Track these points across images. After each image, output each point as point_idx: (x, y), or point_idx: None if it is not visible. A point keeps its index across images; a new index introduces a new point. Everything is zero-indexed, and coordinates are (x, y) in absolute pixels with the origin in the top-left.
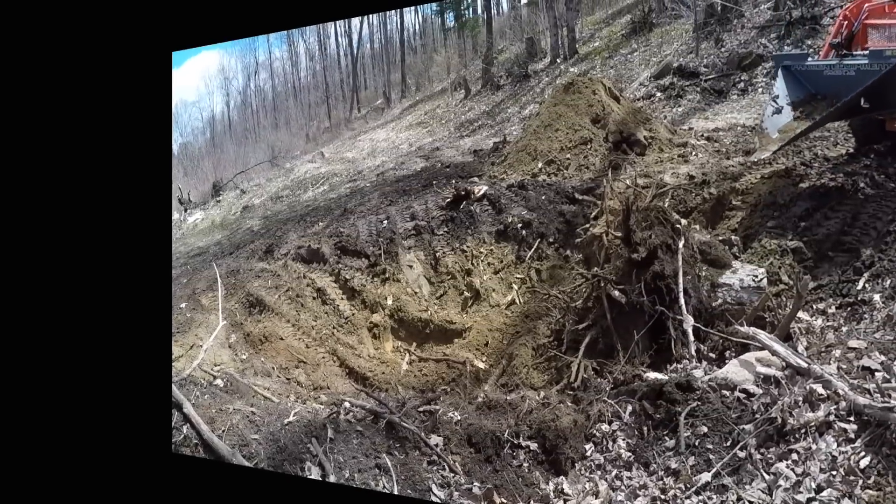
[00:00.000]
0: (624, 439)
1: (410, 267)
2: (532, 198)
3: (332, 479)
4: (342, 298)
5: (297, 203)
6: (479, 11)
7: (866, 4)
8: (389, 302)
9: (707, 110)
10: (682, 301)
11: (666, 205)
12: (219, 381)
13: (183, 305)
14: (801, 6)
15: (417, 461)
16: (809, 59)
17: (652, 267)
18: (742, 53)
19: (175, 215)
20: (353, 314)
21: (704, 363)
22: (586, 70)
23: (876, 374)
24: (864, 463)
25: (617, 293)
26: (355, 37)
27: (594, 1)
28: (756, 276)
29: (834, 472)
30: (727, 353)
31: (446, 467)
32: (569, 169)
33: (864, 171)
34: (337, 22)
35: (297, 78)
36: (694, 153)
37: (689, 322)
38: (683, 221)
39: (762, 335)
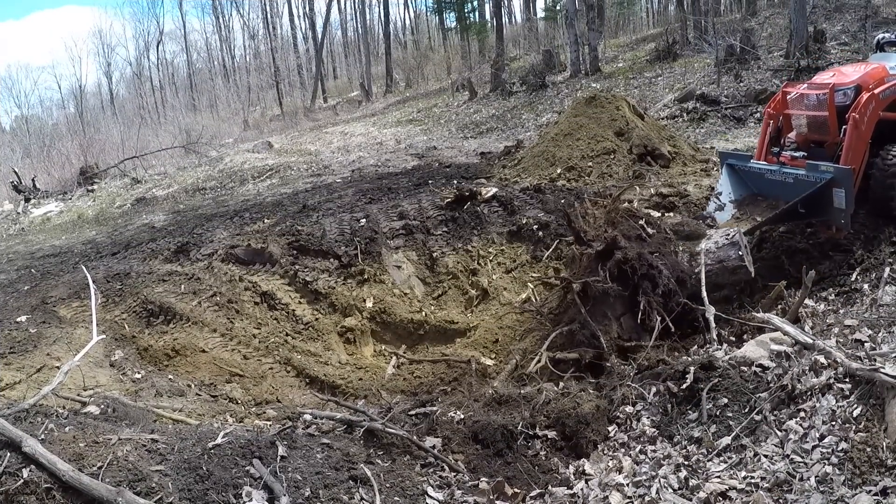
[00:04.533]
0: (648, 417)
1: (399, 267)
2: (550, 201)
3: (284, 501)
4: (300, 302)
5: (229, 197)
6: (489, 17)
7: (785, 89)
8: (369, 304)
9: (727, 133)
10: (703, 293)
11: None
12: (92, 408)
13: (22, 319)
14: (807, 57)
15: (408, 466)
16: (752, 160)
17: (614, 256)
18: (758, 89)
19: (7, 205)
20: (317, 319)
21: (724, 345)
22: (609, 87)
23: (865, 344)
24: (856, 413)
25: (577, 285)
26: (320, 20)
27: (617, 25)
28: (729, 234)
29: (834, 423)
30: (745, 336)
31: (446, 468)
32: (591, 176)
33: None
34: (293, 1)
35: (228, 56)
36: (716, 168)
37: (711, 311)
38: (655, 213)
39: (775, 319)
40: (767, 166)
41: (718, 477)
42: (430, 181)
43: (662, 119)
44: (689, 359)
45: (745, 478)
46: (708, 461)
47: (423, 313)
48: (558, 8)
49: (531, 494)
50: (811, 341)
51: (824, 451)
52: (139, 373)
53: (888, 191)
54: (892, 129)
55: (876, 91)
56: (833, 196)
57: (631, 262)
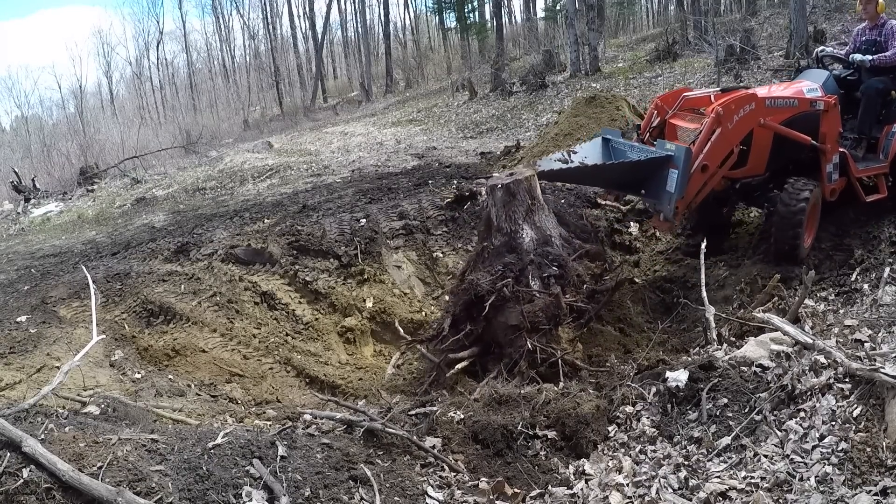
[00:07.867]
0: (648, 417)
1: (399, 267)
2: (549, 200)
3: (284, 501)
4: (300, 302)
5: (229, 197)
6: (489, 17)
7: (684, 93)
8: (369, 304)
9: None
10: (703, 294)
11: None
12: (92, 408)
13: (22, 319)
14: (807, 57)
15: (408, 466)
16: (623, 137)
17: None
18: None
19: (7, 205)
20: (317, 319)
21: (725, 345)
22: (609, 87)
23: (865, 344)
24: (856, 413)
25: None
26: (320, 20)
27: (617, 25)
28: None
29: (834, 423)
30: (745, 337)
31: (446, 468)
32: None
33: None
34: (293, 1)
35: (228, 56)
36: None
37: (711, 311)
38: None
39: (775, 319)
40: (631, 143)
41: (718, 477)
42: (430, 181)
43: None
44: (689, 359)
45: (745, 478)
46: (708, 461)
47: (423, 313)
48: (558, 8)
49: (531, 494)
50: (811, 341)
51: (824, 451)
52: (139, 373)
53: (794, 228)
54: (792, 155)
55: (760, 94)
56: (667, 178)
57: (469, 296)
